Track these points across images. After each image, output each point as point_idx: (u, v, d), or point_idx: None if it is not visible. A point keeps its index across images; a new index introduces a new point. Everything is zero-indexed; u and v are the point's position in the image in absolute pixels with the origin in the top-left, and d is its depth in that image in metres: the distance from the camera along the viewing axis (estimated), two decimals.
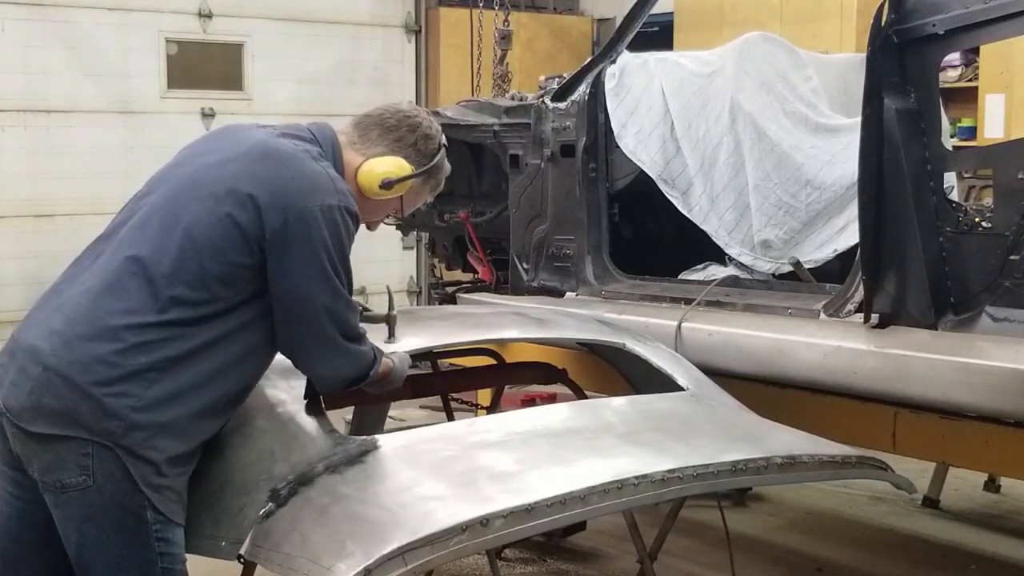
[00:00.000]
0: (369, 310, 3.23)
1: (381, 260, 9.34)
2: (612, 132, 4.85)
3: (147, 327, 2.58)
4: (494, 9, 8.30)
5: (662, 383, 3.66)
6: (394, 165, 2.90)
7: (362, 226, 2.92)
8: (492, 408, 4.62)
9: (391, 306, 3.30)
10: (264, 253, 2.64)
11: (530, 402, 5.63)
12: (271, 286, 2.66)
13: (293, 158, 2.73)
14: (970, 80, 7.96)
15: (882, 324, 3.82)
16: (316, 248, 2.64)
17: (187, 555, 2.70)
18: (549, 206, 5.07)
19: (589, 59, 5.20)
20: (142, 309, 2.58)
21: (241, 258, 2.63)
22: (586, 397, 4.23)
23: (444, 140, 3.03)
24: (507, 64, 7.77)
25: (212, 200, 2.65)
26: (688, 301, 4.47)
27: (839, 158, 4.56)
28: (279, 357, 2.83)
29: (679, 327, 4.32)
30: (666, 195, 4.76)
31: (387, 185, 2.88)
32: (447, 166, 3.06)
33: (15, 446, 2.61)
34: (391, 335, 3.29)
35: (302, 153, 2.76)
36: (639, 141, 4.78)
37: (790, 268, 4.54)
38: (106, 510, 2.57)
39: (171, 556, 2.64)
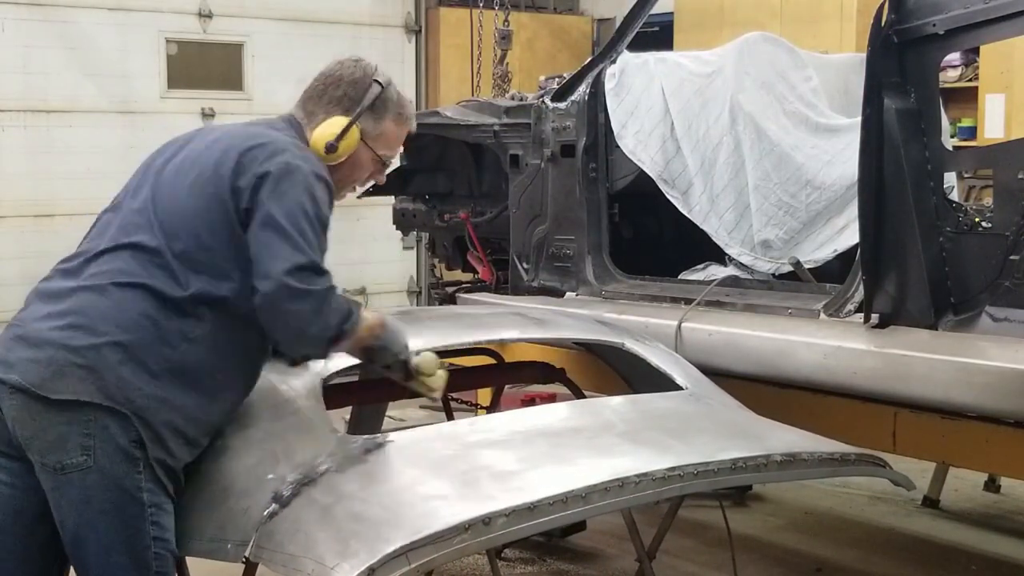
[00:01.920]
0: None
1: (381, 260, 9.36)
2: (612, 132, 4.85)
3: (167, 309, 2.68)
4: (494, 9, 8.31)
5: (661, 383, 3.67)
6: (328, 126, 2.89)
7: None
8: (492, 408, 4.63)
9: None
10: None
11: (530, 402, 5.64)
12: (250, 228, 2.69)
13: (266, 134, 2.82)
14: (970, 80, 7.97)
15: (882, 324, 3.83)
16: (299, 189, 2.69)
17: (190, 558, 2.72)
18: (549, 206, 5.07)
19: (589, 59, 5.21)
20: (161, 293, 2.68)
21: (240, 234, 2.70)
22: (584, 396, 4.25)
23: (381, 76, 2.97)
24: (507, 64, 7.78)
25: (203, 182, 2.74)
26: (688, 301, 4.48)
27: (839, 158, 4.57)
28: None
29: (679, 327, 4.33)
30: (666, 195, 4.77)
31: (331, 148, 2.87)
32: (392, 94, 2.97)
33: (17, 428, 2.64)
34: None
35: (274, 132, 2.84)
36: (639, 141, 4.79)
37: (790, 268, 4.55)
38: (104, 491, 2.61)
39: (163, 541, 2.68)
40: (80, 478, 2.61)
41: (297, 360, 3.03)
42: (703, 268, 4.87)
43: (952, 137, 7.20)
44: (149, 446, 2.64)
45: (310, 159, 2.78)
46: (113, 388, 2.61)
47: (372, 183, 3.09)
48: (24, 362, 2.63)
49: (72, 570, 2.75)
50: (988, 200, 5.21)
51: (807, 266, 4.51)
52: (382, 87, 2.94)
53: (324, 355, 2.96)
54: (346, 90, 2.92)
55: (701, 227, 4.75)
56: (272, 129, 2.88)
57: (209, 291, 2.69)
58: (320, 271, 2.69)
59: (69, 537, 2.65)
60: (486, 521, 2.49)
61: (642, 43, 5.14)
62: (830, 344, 3.89)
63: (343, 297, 2.77)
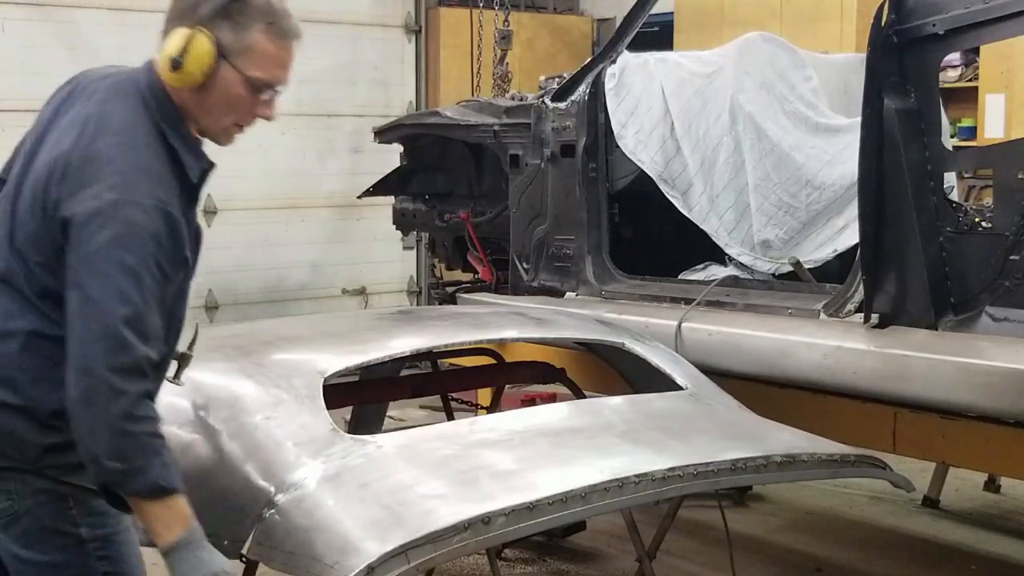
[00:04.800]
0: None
1: (381, 260, 9.35)
2: (612, 132, 4.86)
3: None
4: (494, 9, 8.31)
5: (661, 383, 3.67)
6: (171, 39, 2.39)
7: None
8: (492, 408, 4.63)
9: (192, 343, 2.59)
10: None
11: (530, 402, 5.64)
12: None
13: (92, 152, 2.35)
14: (970, 80, 7.97)
15: (882, 324, 3.83)
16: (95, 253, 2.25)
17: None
18: (549, 206, 5.08)
19: (589, 59, 5.21)
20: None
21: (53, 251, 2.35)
22: (584, 396, 4.25)
23: None
24: (507, 64, 7.78)
25: (28, 204, 2.40)
26: (688, 301, 4.48)
27: (839, 158, 4.57)
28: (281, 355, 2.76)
29: (679, 327, 4.33)
30: (666, 195, 4.77)
31: (176, 65, 2.37)
32: (259, 1, 2.40)
33: None
34: (177, 375, 2.56)
35: (109, 139, 2.36)
36: (639, 141, 4.79)
37: (790, 268, 4.55)
38: (39, 534, 2.38)
39: (117, 574, 2.45)
40: (11, 524, 2.37)
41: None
42: (703, 268, 4.87)
43: (952, 137, 7.20)
44: (72, 479, 2.37)
45: (129, 184, 2.28)
46: (11, 450, 2.35)
47: (256, 120, 2.50)
48: None
49: None
50: (988, 200, 5.22)
51: (807, 266, 4.51)
52: None
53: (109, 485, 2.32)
54: (198, 1, 2.38)
55: (701, 227, 4.75)
56: (119, 96, 2.43)
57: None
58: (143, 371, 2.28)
59: None
60: (486, 520, 2.49)
61: (642, 43, 5.14)
62: (830, 344, 3.89)
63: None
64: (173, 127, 2.43)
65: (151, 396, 2.33)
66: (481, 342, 4.09)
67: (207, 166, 2.50)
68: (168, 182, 2.37)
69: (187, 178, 2.43)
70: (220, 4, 2.37)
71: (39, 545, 2.38)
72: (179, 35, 2.37)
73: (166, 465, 2.28)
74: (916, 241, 3.69)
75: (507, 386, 4.82)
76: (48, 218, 2.34)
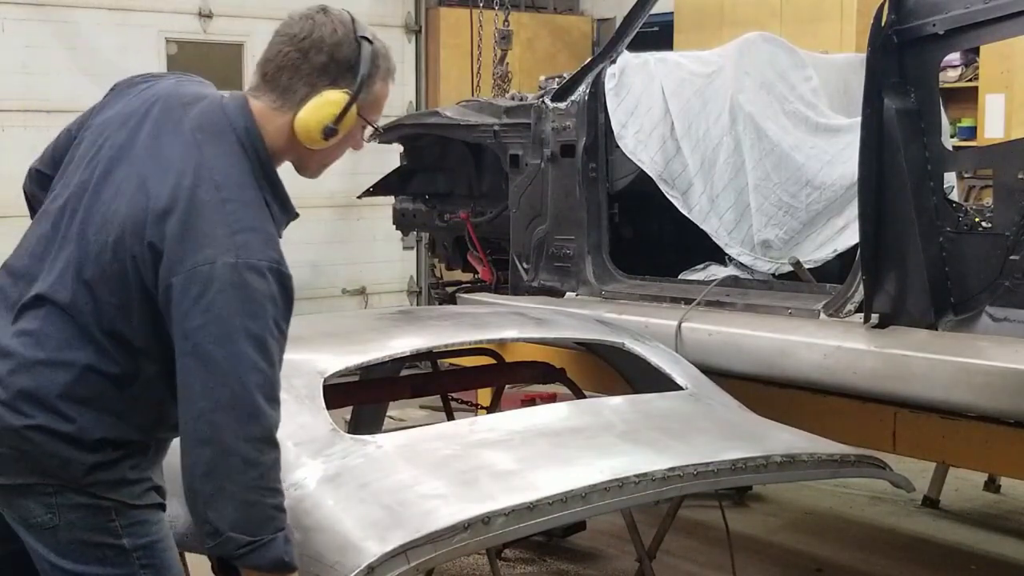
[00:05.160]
0: None
1: (381, 260, 9.35)
2: (612, 132, 4.85)
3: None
4: (494, 9, 8.31)
5: (661, 383, 3.67)
6: (325, 105, 2.36)
7: None
8: (492, 408, 4.63)
9: None
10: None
11: (530, 402, 5.64)
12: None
13: (199, 206, 2.26)
14: (970, 80, 7.97)
15: (882, 324, 3.83)
16: (211, 321, 2.18)
17: (189, 554, 2.69)
18: (549, 206, 5.07)
19: (589, 59, 5.21)
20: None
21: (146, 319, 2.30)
22: (584, 396, 4.25)
23: (363, 31, 2.40)
24: (507, 64, 7.78)
25: (116, 249, 2.32)
26: (688, 301, 4.48)
27: (839, 158, 4.57)
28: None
29: (679, 327, 4.33)
30: (666, 195, 4.77)
31: (330, 133, 2.36)
32: (379, 48, 2.41)
33: None
34: None
35: (214, 195, 2.27)
36: (639, 141, 4.79)
37: (790, 268, 4.55)
38: (80, 547, 2.33)
39: None
40: (51, 535, 2.32)
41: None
42: (703, 268, 4.87)
43: (952, 137, 7.21)
44: (115, 494, 2.35)
45: (244, 246, 2.22)
46: (57, 470, 2.31)
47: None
48: None
49: None
50: (988, 200, 5.21)
51: (807, 266, 4.51)
52: (371, 44, 2.39)
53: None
54: (331, 54, 2.35)
55: (701, 227, 4.75)
56: (216, 139, 2.34)
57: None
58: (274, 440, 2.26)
59: None
60: (486, 520, 2.49)
61: (642, 43, 5.14)
62: (830, 344, 3.89)
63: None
64: (269, 178, 2.39)
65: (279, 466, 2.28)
66: (481, 342, 4.09)
67: (292, 217, 2.45)
68: (274, 238, 2.32)
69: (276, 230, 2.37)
70: (370, 68, 2.37)
71: (78, 556, 2.34)
72: (333, 103, 2.36)
73: (288, 541, 2.25)
74: (916, 241, 3.69)
75: (507, 386, 4.82)
76: (138, 265, 2.27)
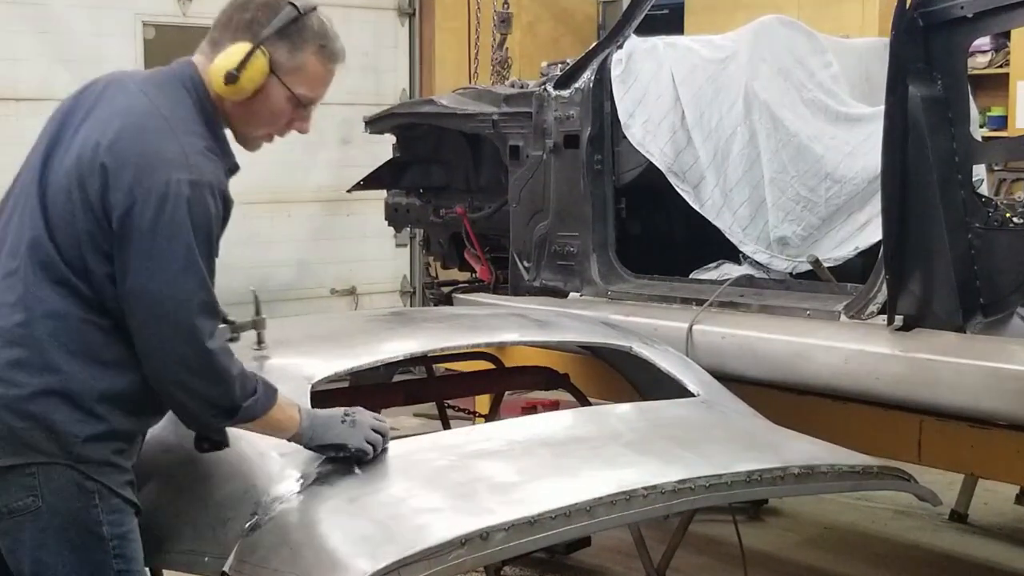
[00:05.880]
0: (231, 320, 2.97)
1: (373, 258, 9.35)
2: (619, 122, 4.86)
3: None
4: None
5: (671, 389, 3.68)
6: (229, 54, 2.63)
7: None
8: (491, 416, 4.64)
9: (258, 310, 3.15)
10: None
11: (531, 409, 5.65)
12: (118, 281, 2.52)
13: (152, 131, 2.56)
14: (1000, 66, 7.97)
15: (907, 326, 3.84)
16: (165, 234, 2.47)
17: (169, 572, 2.71)
18: (551, 201, 5.08)
19: (594, 44, 5.22)
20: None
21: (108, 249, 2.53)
22: (589, 404, 4.26)
23: (299, 1, 2.69)
24: (507, 49, 7.80)
25: (73, 182, 2.56)
26: (700, 302, 4.49)
27: (861, 149, 4.58)
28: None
29: (690, 330, 4.33)
30: (676, 189, 4.78)
31: (231, 78, 2.61)
32: (312, 22, 2.70)
33: None
34: (260, 341, 3.16)
35: (162, 124, 2.56)
36: (647, 131, 4.80)
37: (808, 267, 4.56)
38: (60, 531, 2.50)
39: (129, 573, 2.60)
40: (31, 521, 2.49)
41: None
42: (716, 267, 4.87)
43: (981, 127, 7.19)
44: (101, 476, 2.53)
45: (195, 166, 2.52)
46: (47, 444, 2.48)
47: (291, 131, 2.80)
48: None
49: None
50: (1020, 194, 5.23)
51: (827, 265, 4.52)
52: (299, 12, 2.67)
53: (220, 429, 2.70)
54: (255, 14, 2.65)
55: (714, 223, 4.75)
56: (161, 87, 2.64)
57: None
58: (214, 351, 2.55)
59: None
60: (484, 536, 2.49)
61: (651, 27, 5.15)
62: (851, 348, 3.89)
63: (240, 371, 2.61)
64: (211, 122, 2.67)
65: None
66: (479, 346, 4.09)
67: (233, 166, 2.71)
68: (220, 167, 2.62)
69: None
70: (281, 25, 2.65)
71: (56, 543, 2.50)
72: (238, 50, 2.63)
73: (253, 389, 2.61)
74: (943, 238, 3.69)
75: (507, 393, 4.84)
76: (89, 195, 2.50)
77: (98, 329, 2.53)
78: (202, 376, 2.52)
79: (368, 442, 2.77)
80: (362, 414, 2.81)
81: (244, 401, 2.58)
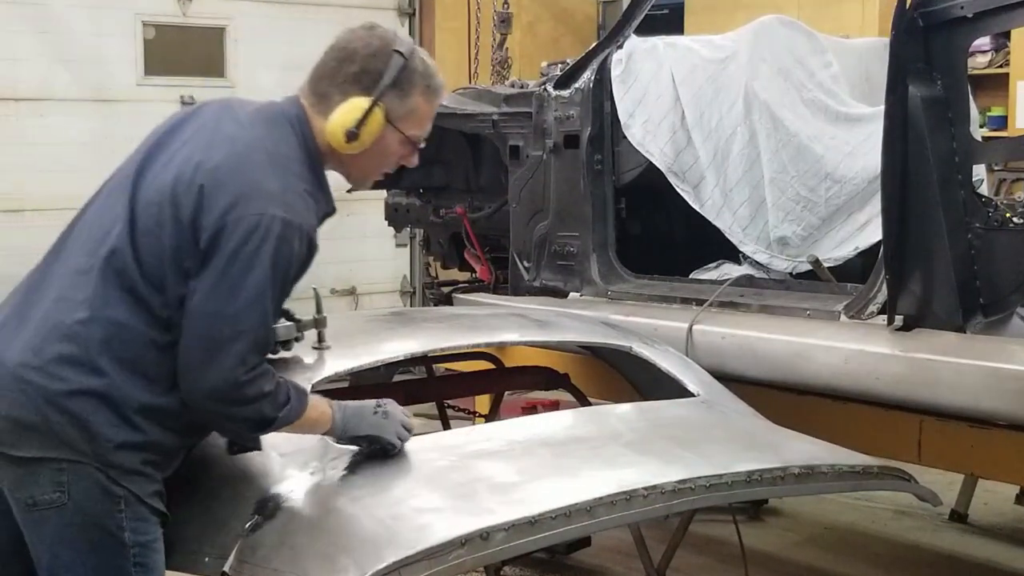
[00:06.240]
0: (297, 318, 3.04)
1: (372, 258, 9.35)
2: (619, 122, 4.86)
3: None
4: None
5: (671, 389, 3.68)
6: (349, 110, 2.68)
7: None
8: (491, 416, 4.64)
9: (319, 308, 3.20)
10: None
11: (531, 409, 5.65)
12: (189, 294, 2.55)
13: (256, 164, 2.60)
14: (1001, 66, 7.97)
15: (907, 326, 3.83)
16: (244, 264, 2.51)
17: (169, 572, 2.71)
18: (551, 201, 5.08)
19: (594, 44, 5.22)
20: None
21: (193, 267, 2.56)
22: (589, 404, 4.25)
23: (402, 45, 2.72)
24: (507, 49, 7.79)
25: (167, 197, 2.59)
26: (700, 302, 4.49)
27: (861, 149, 4.58)
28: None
29: (690, 330, 4.33)
30: (676, 189, 4.78)
31: (351, 136, 2.68)
32: (417, 64, 2.72)
33: None
34: (321, 339, 3.21)
35: (266, 159, 2.62)
36: (647, 131, 4.79)
37: (808, 267, 4.56)
38: (82, 530, 2.53)
39: None
40: (55, 516, 2.52)
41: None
42: (716, 267, 4.87)
43: (981, 127, 7.19)
44: (129, 483, 2.55)
45: (289, 205, 2.56)
46: (80, 443, 2.51)
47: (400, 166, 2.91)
48: None
49: None
50: (1020, 194, 5.23)
51: (827, 265, 4.51)
52: (405, 58, 2.70)
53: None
54: (363, 65, 2.68)
55: (714, 223, 4.75)
56: (269, 123, 2.69)
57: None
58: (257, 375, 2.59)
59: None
60: (484, 536, 2.49)
61: (651, 27, 5.14)
62: (851, 348, 3.89)
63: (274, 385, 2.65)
64: (314, 168, 2.72)
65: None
66: (479, 346, 4.09)
67: (330, 211, 2.76)
68: (314, 211, 2.66)
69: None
70: (395, 77, 2.69)
71: (77, 540, 2.53)
72: (355, 107, 2.67)
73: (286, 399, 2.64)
74: (943, 238, 3.69)
75: (507, 393, 4.83)
76: (182, 213, 2.54)
77: (154, 346, 2.55)
78: (233, 403, 2.56)
79: (398, 435, 2.84)
80: (393, 406, 2.87)
81: (278, 413, 2.61)
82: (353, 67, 2.69)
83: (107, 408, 2.51)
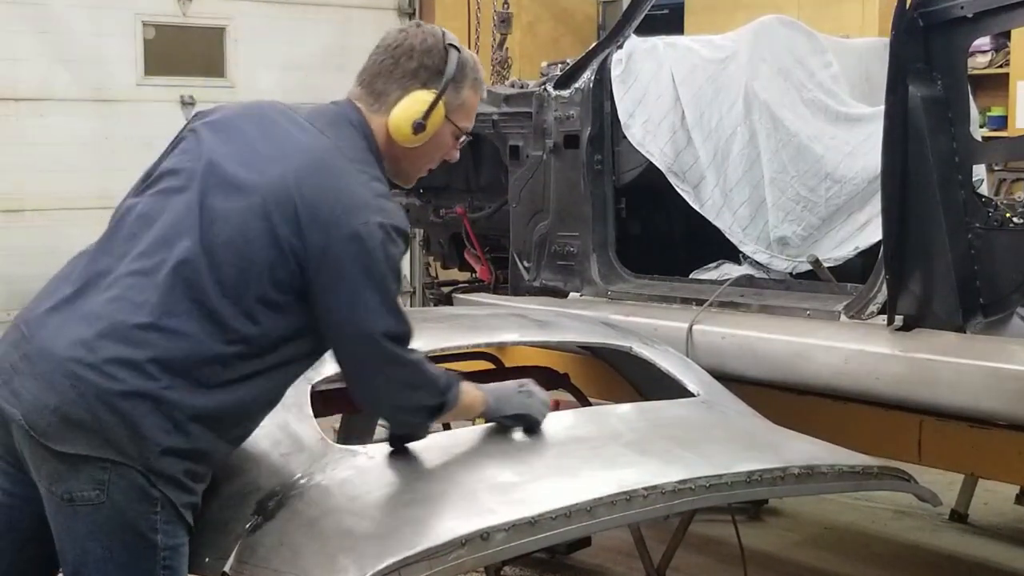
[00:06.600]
0: None
1: None
2: (619, 122, 4.86)
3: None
4: None
5: (671, 389, 3.68)
6: (413, 103, 2.75)
7: None
8: None
9: None
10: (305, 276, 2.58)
11: None
12: (320, 316, 2.60)
13: (341, 172, 2.64)
14: (1001, 66, 7.97)
15: (907, 326, 3.84)
16: (362, 276, 2.58)
17: None
18: (551, 201, 5.08)
19: (594, 44, 5.22)
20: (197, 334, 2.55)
21: (286, 279, 2.58)
22: (589, 404, 4.25)
23: (449, 38, 2.81)
24: (507, 49, 7.77)
25: (254, 210, 2.58)
26: (700, 302, 4.49)
27: (861, 149, 4.58)
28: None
29: (690, 330, 4.33)
30: (676, 189, 4.78)
31: (419, 128, 2.75)
32: (467, 58, 2.83)
33: (23, 448, 2.54)
34: None
35: (349, 165, 2.66)
36: (647, 131, 4.80)
37: (808, 267, 4.56)
38: (115, 530, 2.50)
39: None
40: (90, 513, 2.48)
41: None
42: (716, 267, 4.87)
43: (981, 127, 7.20)
44: (167, 490, 2.52)
45: (384, 209, 2.62)
46: (127, 445, 2.48)
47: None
48: (29, 399, 2.49)
49: None
50: (1020, 194, 5.23)
51: (827, 265, 4.51)
52: (459, 52, 2.80)
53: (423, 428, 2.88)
54: (421, 60, 2.76)
55: (714, 223, 4.75)
56: (338, 126, 2.72)
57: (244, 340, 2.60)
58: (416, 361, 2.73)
59: (69, 570, 2.55)
60: (484, 536, 2.49)
61: (651, 27, 5.14)
62: (851, 348, 3.89)
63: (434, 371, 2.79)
64: (379, 164, 2.76)
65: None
66: (479, 346, 4.09)
67: None
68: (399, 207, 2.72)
69: None
70: (455, 71, 2.77)
71: (110, 539, 2.50)
72: (421, 99, 2.75)
73: (448, 383, 2.77)
74: (943, 238, 3.69)
75: None
76: (285, 233, 2.55)
77: (216, 359, 2.53)
78: (417, 388, 2.71)
79: (541, 413, 3.05)
80: (534, 386, 3.07)
81: (447, 395, 2.75)
82: (412, 63, 2.76)
83: (160, 412, 2.48)
